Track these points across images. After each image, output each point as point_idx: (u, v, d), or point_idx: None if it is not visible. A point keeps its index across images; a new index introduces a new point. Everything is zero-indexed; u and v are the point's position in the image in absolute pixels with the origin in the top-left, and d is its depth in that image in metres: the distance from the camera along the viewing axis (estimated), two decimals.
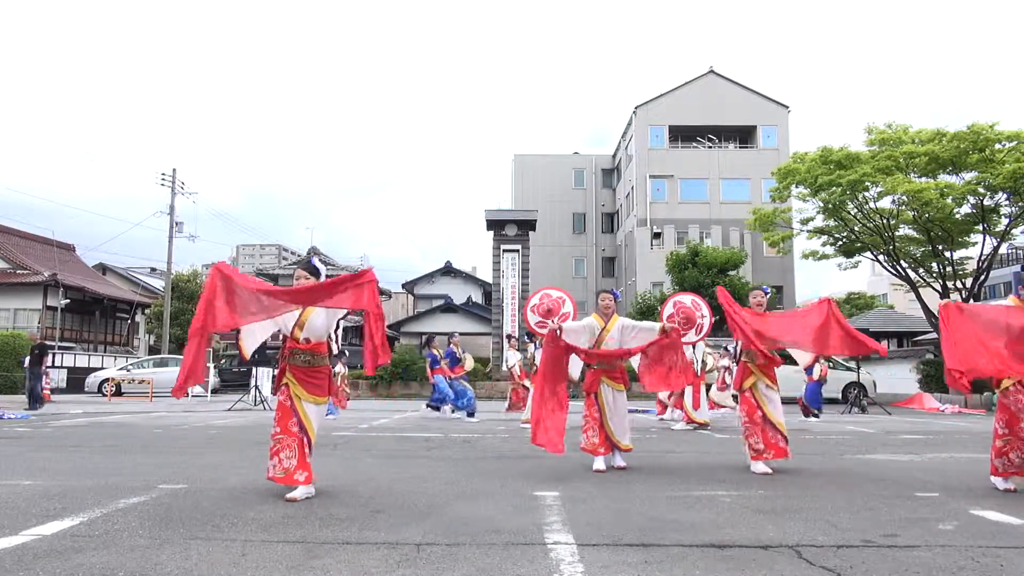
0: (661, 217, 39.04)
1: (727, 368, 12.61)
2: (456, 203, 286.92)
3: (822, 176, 21.05)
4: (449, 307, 39.56)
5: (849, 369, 20.45)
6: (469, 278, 46.34)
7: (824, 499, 4.75)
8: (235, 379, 27.96)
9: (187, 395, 4.64)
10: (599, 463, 6.21)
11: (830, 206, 22.23)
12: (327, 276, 5.07)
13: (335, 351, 5.11)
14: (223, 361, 30.78)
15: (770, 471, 6.07)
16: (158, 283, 44.34)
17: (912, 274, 23.13)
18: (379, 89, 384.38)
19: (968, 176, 20.31)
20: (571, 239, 46.32)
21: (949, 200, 19.81)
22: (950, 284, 22.28)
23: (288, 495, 4.60)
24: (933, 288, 22.80)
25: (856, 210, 22.22)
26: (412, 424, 11.99)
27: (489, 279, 32.49)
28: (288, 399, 4.77)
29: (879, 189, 20.86)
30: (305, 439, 4.74)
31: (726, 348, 13.28)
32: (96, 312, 38.21)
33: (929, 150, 19.83)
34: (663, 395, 12.89)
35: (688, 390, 11.27)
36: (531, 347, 13.17)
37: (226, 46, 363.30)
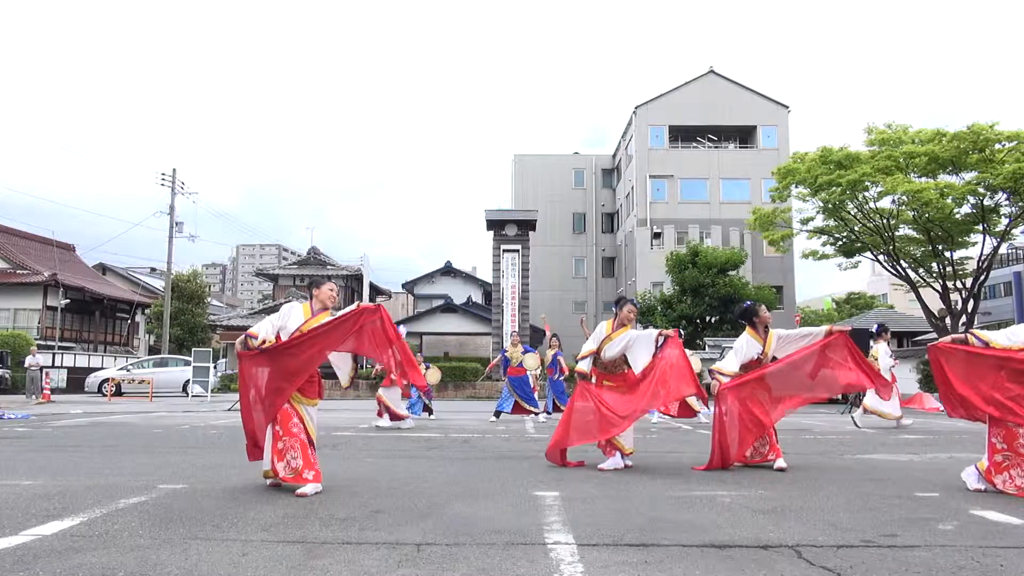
0: (661, 217, 39.03)
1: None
2: (456, 203, 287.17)
3: (822, 176, 21.06)
4: (449, 307, 39.55)
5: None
6: (469, 278, 46.33)
7: (824, 499, 4.75)
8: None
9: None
10: (607, 463, 6.22)
11: (830, 206, 22.24)
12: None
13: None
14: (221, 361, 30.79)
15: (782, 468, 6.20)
16: (158, 283, 44.34)
17: (912, 274, 23.13)
18: (379, 89, 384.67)
19: (968, 176, 20.31)
20: (571, 239, 46.31)
21: (949, 200, 19.81)
22: (950, 284, 22.28)
23: (298, 490, 4.71)
24: (933, 288, 22.79)
25: (856, 210, 22.22)
26: (412, 424, 11.98)
27: (489, 279, 32.51)
28: (287, 402, 4.90)
29: (879, 189, 20.87)
30: (307, 439, 4.89)
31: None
32: (96, 312, 38.22)
33: (929, 150, 19.83)
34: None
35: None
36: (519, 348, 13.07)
37: (225, 46, 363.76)
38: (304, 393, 4.99)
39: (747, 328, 6.57)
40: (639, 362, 6.28)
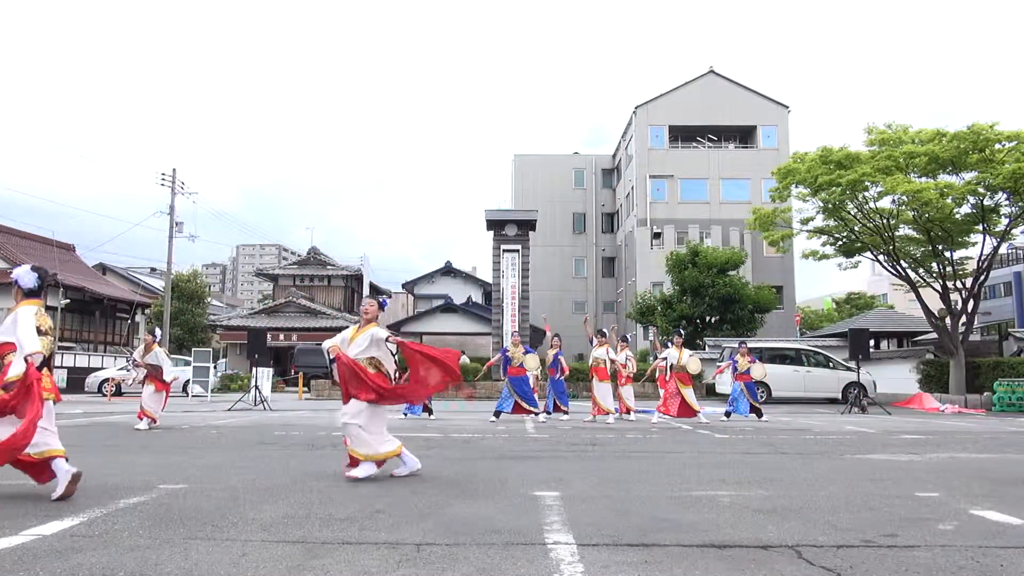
0: (661, 217, 39.05)
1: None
2: (456, 203, 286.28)
3: (822, 176, 21.05)
4: (449, 307, 39.58)
5: (849, 369, 20.45)
6: (469, 278, 46.36)
7: (824, 499, 4.76)
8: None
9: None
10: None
11: (830, 206, 22.23)
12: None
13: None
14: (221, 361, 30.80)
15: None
16: (158, 283, 44.37)
17: (912, 274, 23.10)
18: (379, 88, 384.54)
19: (968, 176, 20.29)
20: (571, 239, 46.33)
21: (949, 200, 19.80)
22: (950, 284, 22.27)
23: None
24: (933, 288, 22.78)
25: (856, 210, 22.21)
26: (412, 424, 12.00)
27: (489, 279, 32.49)
28: None
29: (879, 189, 20.85)
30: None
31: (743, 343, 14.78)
32: (96, 312, 38.19)
33: (929, 150, 19.81)
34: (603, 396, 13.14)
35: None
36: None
37: (225, 46, 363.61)
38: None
39: None
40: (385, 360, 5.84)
